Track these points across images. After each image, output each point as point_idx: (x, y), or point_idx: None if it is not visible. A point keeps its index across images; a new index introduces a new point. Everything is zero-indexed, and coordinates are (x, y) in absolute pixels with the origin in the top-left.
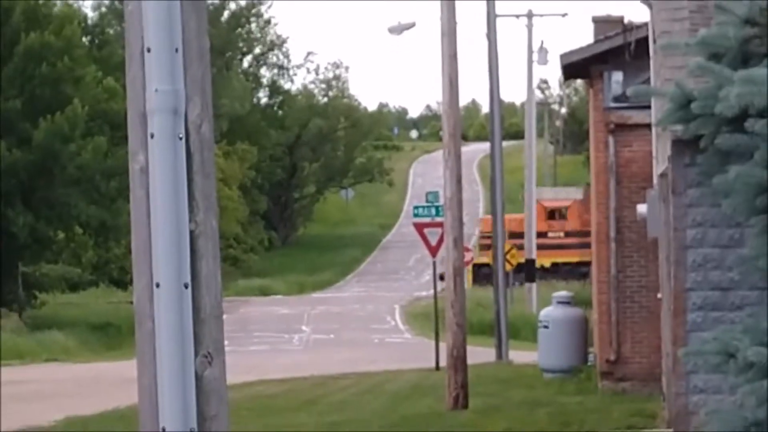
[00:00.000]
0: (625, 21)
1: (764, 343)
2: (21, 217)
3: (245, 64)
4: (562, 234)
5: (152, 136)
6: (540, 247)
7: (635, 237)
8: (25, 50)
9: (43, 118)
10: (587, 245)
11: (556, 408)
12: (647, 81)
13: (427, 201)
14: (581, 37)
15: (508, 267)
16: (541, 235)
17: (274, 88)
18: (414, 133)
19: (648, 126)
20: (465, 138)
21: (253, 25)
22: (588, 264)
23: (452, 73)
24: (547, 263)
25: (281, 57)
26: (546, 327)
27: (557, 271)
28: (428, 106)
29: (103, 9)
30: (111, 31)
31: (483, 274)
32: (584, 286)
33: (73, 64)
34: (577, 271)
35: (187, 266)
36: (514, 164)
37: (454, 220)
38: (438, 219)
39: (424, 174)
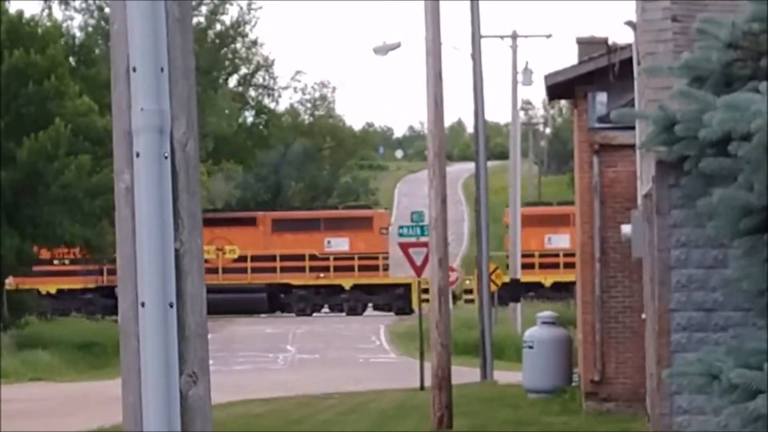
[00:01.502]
0: (609, 42)
1: (748, 365)
2: (7, 238)
3: (231, 83)
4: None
5: (138, 154)
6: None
7: (619, 257)
8: (9, 69)
9: (26, 137)
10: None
11: (541, 428)
12: (631, 101)
13: (412, 221)
14: (566, 58)
15: (493, 287)
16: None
17: (260, 108)
18: (399, 153)
19: (632, 146)
20: (450, 158)
21: (239, 45)
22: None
23: (437, 93)
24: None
25: (267, 78)
26: (530, 347)
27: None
28: (412, 126)
29: (90, 29)
30: (97, 51)
31: None
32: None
33: (58, 83)
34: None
35: (173, 285)
36: (499, 184)
37: (439, 239)
38: (423, 239)
39: (410, 194)
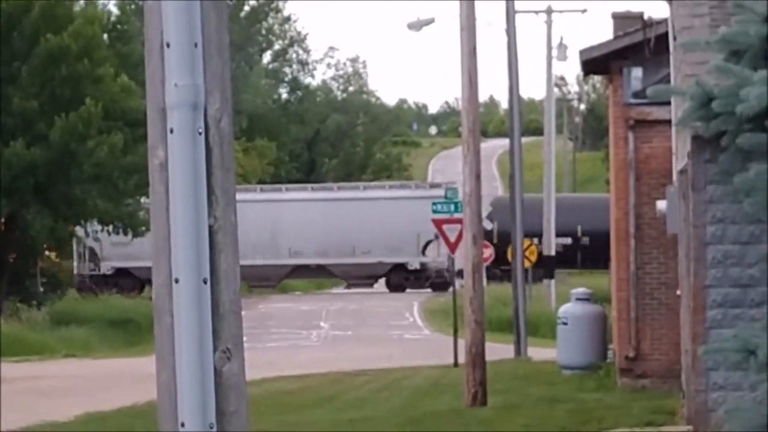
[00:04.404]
0: (645, 17)
1: None
2: (38, 218)
3: (265, 59)
4: None
5: (171, 130)
6: None
7: (655, 233)
8: (44, 51)
9: (58, 117)
10: None
11: (575, 405)
12: (667, 77)
13: (446, 197)
14: (601, 33)
15: (527, 263)
16: None
17: (295, 84)
18: (433, 129)
19: (668, 122)
20: (484, 134)
21: (272, 21)
22: None
23: (471, 69)
24: None
25: (301, 53)
26: (565, 324)
27: None
28: (447, 103)
29: (127, 6)
30: (126, 28)
31: None
32: None
33: (92, 65)
34: None
35: (206, 261)
36: (534, 160)
37: (473, 216)
38: (457, 215)
39: (444, 170)
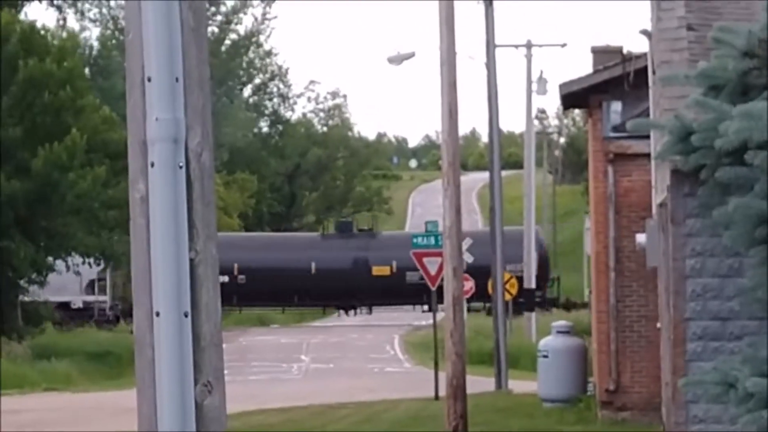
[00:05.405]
0: (624, 51)
1: (764, 374)
2: (21, 248)
3: (246, 93)
4: None
5: (152, 164)
6: None
7: (634, 266)
8: (24, 79)
9: (41, 147)
10: None
11: None
12: (646, 111)
13: (426, 230)
14: (580, 67)
15: (507, 296)
16: None
17: (275, 118)
18: (413, 163)
19: (647, 155)
20: (464, 167)
21: (253, 55)
22: None
23: (452, 102)
24: None
25: (282, 87)
26: (545, 356)
27: None
28: (427, 136)
29: (108, 42)
30: (108, 62)
31: None
32: None
33: (74, 95)
34: None
35: (187, 295)
36: (514, 194)
37: (453, 249)
38: (437, 248)
39: (423, 203)
